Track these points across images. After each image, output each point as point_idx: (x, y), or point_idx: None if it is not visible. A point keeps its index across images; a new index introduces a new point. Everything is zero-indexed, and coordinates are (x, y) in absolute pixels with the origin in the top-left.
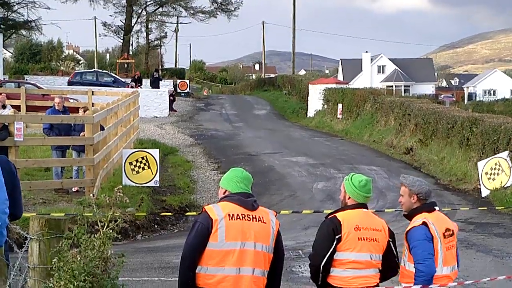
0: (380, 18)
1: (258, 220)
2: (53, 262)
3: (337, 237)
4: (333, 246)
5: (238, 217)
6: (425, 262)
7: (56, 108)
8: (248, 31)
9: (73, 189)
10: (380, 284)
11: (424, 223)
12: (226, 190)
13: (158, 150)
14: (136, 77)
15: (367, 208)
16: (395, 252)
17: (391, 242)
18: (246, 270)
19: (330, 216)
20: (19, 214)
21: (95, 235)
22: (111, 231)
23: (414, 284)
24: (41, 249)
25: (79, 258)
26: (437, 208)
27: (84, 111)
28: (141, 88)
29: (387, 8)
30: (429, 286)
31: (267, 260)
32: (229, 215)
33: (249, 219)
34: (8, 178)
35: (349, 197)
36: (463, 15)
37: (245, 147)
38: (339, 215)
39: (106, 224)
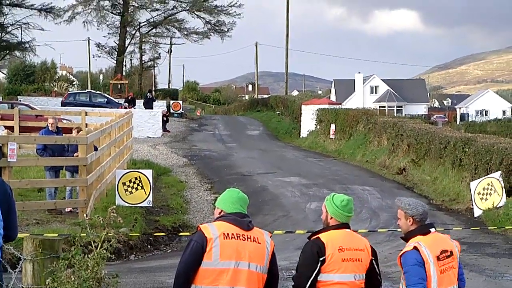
0: (372, 39)
1: (253, 241)
2: (47, 283)
3: (321, 259)
4: (317, 268)
5: (233, 236)
6: (416, 287)
7: (50, 128)
8: (241, 52)
9: (67, 210)
10: None
11: (415, 248)
12: (222, 210)
13: (151, 170)
14: (129, 97)
15: (349, 228)
16: (377, 270)
17: (373, 261)
18: None
19: (313, 238)
20: (14, 236)
21: (89, 255)
22: (104, 251)
23: None
24: (35, 270)
25: (73, 279)
26: (433, 230)
27: (78, 132)
28: (134, 108)
29: (380, 29)
30: None
31: (261, 280)
32: (224, 234)
33: (244, 239)
34: (3, 199)
35: (331, 217)
36: (455, 36)
37: (238, 167)
38: (322, 237)
39: (99, 244)
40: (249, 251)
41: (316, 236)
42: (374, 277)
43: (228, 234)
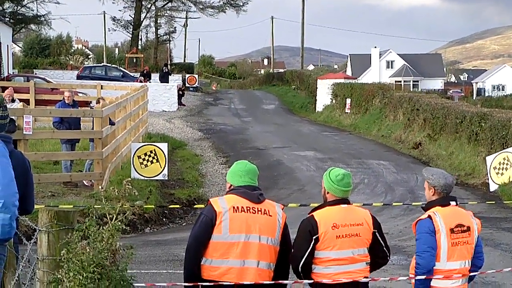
0: (389, 14)
1: (264, 213)
2: (62, 254)
3: (314, 237)
4: (310, 247)
5: (243, 209)
6: (423, 255)
7: (66, 102)
8: (257, 26)
9: (85, 183)
10: (371, 273)
11: (429, 217)
12: (231, 184)
13: (166, 144)
14: (145, 71)
15: (348, 203)
16: (382, 242)
17: (377, 233)
18: (251, 262)
19: (308, 216)
20: (30, 209)
21: (104, 227)
22: (119, 223)
23: (415, 276)
24: (50, 241)
25: (88, 250)
26: (453, 203)
27: (98, 102)
28: (150, 82)
29: (396, 4)
30: (434, 277)
31: (273, 253)
32: (233, 207)
33: (254, 212)
34: (21, 173)
35: (328, 192)
36: (472, 10)
37: (254, 141)
38: (316, 214)
39: (114, 217)
40: (259, 224)
41: (311, 214)
42: (379, 250)
43: (238, 207)
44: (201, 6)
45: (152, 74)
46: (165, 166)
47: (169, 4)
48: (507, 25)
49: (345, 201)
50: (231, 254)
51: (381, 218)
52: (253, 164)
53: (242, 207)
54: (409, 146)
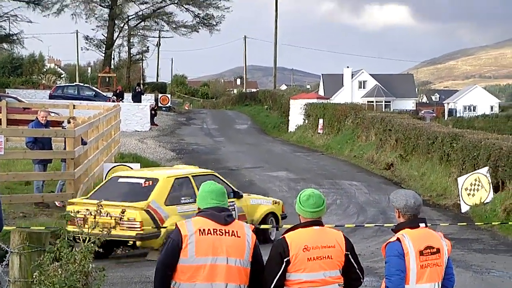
0: (363, 34)
1: (232, 235)
2: (34, 276)
3: (285, 260)
4: (281, 270)
5: (209, 232)
6: (392, 278)
7: (41, 121)
8: (230, 46)
9: (57, 204)
10: None
11: (398, 239)
12: (199, 207)
13: (139, 164)
14: (117, 91)
15: (321, 224)
16: (355, 264)
17: (349, 255)
18: (219, 285)
19: (280, 237)
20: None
21: (76, 249)
22: (92, 245)
23: None
24: (22, 263)
25: (60, 272)
26: (422, 225)
27: (69, 122)
28: (122, 102)
29: (371, 24)
30: None
31: (244, 274)
32: (200, 230)
33: (221, 233)
34: None
35: (299, 214)
36: (445, 31)
37: (226, 161)
38: (288, 236)
39: (87, 238)
40: (226, 246)
41: (283, 235)
42: (352, 272)
43: (204, 230)
44: (174, 26)
45: (124, 93)
46: None
47: (142, 24)
48: (478, 45)
49: (318, 222)
50: (198, 277)
51: (354, 239)
52: (219, 184)
53: (208, 229)
54: (381, 167)
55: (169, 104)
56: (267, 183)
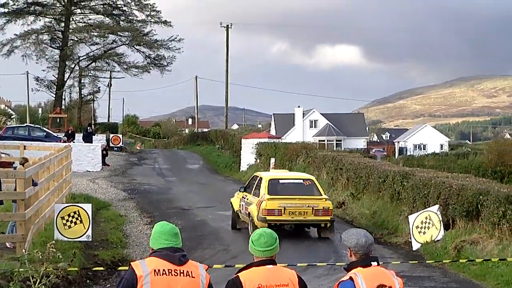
0: (315, 74)
1: (186, 275)
2: None
3: None
4: None
5: (164, 272)
6: None
7: None
8: (181, 86)
9: (8, 245)
10: None
11: (351, 278)
12: (152, 248)
13: (90, 204)
14: (69, 131)
15: (274, 263)
16: None
17: None
18: None
19: (233, 276)
20: None
21: None
22: (43, 286)
23: None
24: None
25: None
26: (374, 263)
27: (23, 164)
28: (73, 142)
29: (323, 64)
30: None
31: None
32: (155, 270)
33: (176, 274)
34: None
35: (252, 254)
36: (395, 70)
37: (178, 201)
38: (242, 275)
39: (38, 280)
40: (182, 286)
41: (236, 274)
42: None
43: (159, 270)
44: (125, 66)
45: (76, 134)
46: (89, 227)
47: (93, 64)
48: (428, 85)
49: (271, 261)
50: None
51: (306, 277)
52: (172, 224)
53: (163, 270)
54: (333, 205)
55: (120, 144)
56: (219, 222)
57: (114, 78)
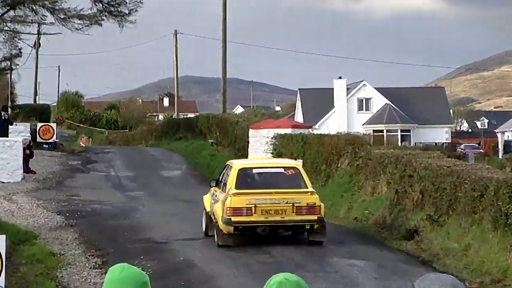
0: (364, 27)
1: None
2: None
3: None
4: None
5: None
6: None
7: None
8: (152, 47)
9: None
10: None
11: None
12: None
13: (4, 236)
14: None
15: None
16: None
17: None
18: None
19: None
20: None
21: None
22: None
23: None
24: None
25: None
26: None
27: None
28: None
29: (377, 11)
30: None
31: None
32: None
33: None
34: None
35: None
36: (493, 21)
37: (148, 229)
38: None
39: None
40: None
41: None
42: None
43: None
44: (62, 16)
45: None
46: (0, 273)
47: (11, 13)
48: None
49: None
50: None
51: None
52: (136, 268)
53: None
54: (399, 235)
55: (53, 138)
56: (213, 264)
57: (44, 34)
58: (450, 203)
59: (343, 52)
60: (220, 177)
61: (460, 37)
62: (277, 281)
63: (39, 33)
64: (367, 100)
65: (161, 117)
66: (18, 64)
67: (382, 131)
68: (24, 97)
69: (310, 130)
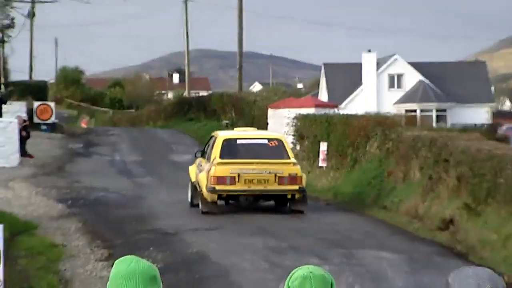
0: None
1: None
2: None
3: None
4: None
5: None
6: None
7: None
8: (159, 16)
9: None
10: None
11: None
12: None
13: (1, 226)
14: None
15: None
16: None
17: None
18: None
19: None
20: None
21: None
22: None
23: None
24: None
25: None
26: None
27: None
28: None
29: None
30: None
31: None
32: None
33: None
34: None
35: None
36: None
37: (157, 218)
38: None
39: None
40: None
41: None
42: None
43: None
44: None
45: None
46: None
47: None
48: None
49: None
50: None
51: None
52: (145, 261)
53: None
54: (433, 226)
55: (52, 119)
56: (230, 256)
57: (39, 2)
58: (489, 191)
59: (372, 22)
60: (206, 148)
61: (502, 6)
62: (301, 274)
63: (33, 1)
64: (399, 76)
65: (170, 95)
66: (10, 36)
67: (415, 110)
68: (18, 73)
69: (336, 109)
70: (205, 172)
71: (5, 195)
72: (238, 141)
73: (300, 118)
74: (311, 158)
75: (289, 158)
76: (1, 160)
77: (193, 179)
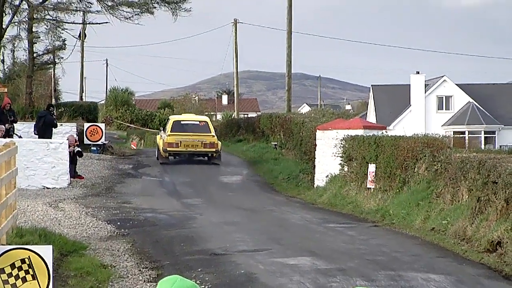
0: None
1: None
2: None
3: None
4: None
5: None
6: None
7: None
8: (209, 38)
9: None
10: None
11: None
12: None
13: (51, 247)
14: (4, 109)
15: None
16: None
17: None
18: None
19: None
20: None
21: None
22: None
23: None
24: None
25: None
26: None
27: None
28: (19, 136)
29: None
30: None
31: None
32: None
33: None
34: None
35: None
36: None
37: (206, 240)
38: None
39: None
40: None
41: None
42: None
43: None
44: (109, 3)
45: (19, 119)
46: (48, 286)
47: (53, 0)
48: None
49: None
50: None
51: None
52: (191, 282)
53: None
54: (481, 248)
55: (102, 140)
56: (278, 278)
57: (90, 24)
58: None
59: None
60: (165, 125)
61: None
62: None
63: (84, 23)
64: (448, 98)
65: (219, 116)
66: (61, 57)
67: (463, 132)
68: (69, 93)
69: (384, 131)
70: (162, 140)
71: (55, 215)
72: (182, 122)
73: (348, 139)
74: (359, 179)
75: (210, 132)
76: (51, 181)
77: (160, 145)
